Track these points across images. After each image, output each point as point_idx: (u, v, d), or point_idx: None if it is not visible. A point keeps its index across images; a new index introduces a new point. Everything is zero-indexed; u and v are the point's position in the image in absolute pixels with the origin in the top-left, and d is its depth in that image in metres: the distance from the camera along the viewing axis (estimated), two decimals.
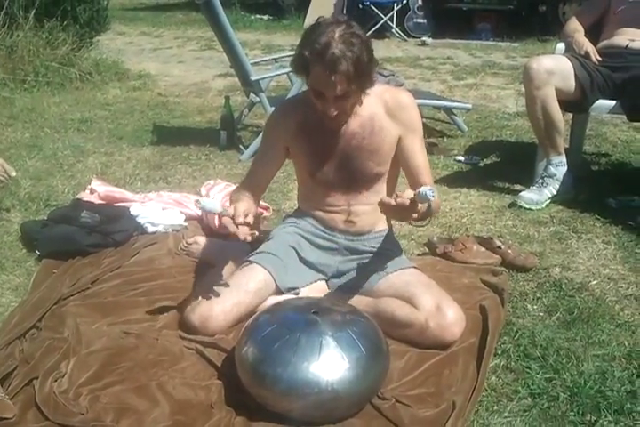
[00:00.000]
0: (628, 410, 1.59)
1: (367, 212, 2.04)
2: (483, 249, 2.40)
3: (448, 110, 4.25)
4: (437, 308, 1.82)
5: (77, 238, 2.42)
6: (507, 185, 3.21)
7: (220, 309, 1.87)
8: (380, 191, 2.04)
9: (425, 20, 9.10)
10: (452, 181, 3.27)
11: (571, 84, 2.90)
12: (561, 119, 2.92)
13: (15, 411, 1.54)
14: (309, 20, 8.69)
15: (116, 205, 2.74)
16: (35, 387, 1.62)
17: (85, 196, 2.82)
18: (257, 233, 1.84)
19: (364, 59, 1.78)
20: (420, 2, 8.96)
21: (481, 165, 3.60)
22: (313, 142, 2.01)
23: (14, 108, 4.79)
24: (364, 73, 1.80)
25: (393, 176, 2.07)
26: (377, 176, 2.01)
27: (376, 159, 1.99)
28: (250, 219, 1.80)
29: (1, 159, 2.72)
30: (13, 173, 2.71)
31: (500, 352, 1.83)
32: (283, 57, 4.41)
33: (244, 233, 1.80)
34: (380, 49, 7.98)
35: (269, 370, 1.55)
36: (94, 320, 1.97)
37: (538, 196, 2.93)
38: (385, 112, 1.97)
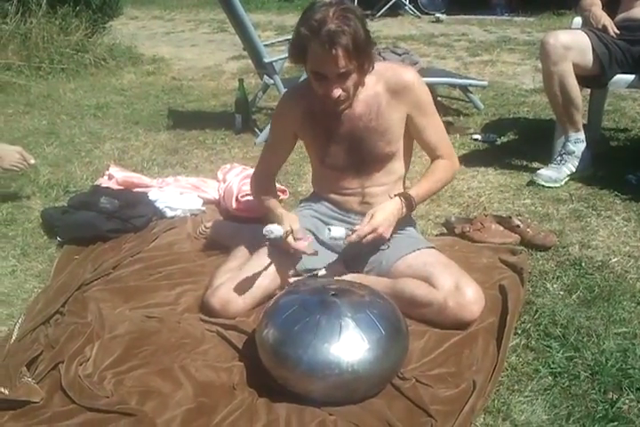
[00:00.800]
0: None
1: (382, 192, 2.03)
2: (501, 228, 2.39)
3: (464, 88, 4.20)
4: (456, 287, 1.82)
5: (97, 224, 2.45)
6: (524, 163, 3.18)
7: (240, 292, 1.89)
8: (392, 170, 2.04)
9: None
10: (470, 159, 3.24)
11: (588, 58, 2.85)
12: (579, 95, 2.88)
13: (43, 395, 1.57)
14: None
15: (135, 190, 2.76)
16: (60, 371, 1.65)
17: (104, 182, 2.85)
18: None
19: (361, 34, 1.77)
20: None
21: (498, 143, 3.56)
22: (321, 128, 2.00)
23: (30, 95, 4.82)
24: (362, 49, 1.78)
25: (405, 154, 2.06)
26: (388, 156, 2.01)
27: (385, 139, 1.98)
28: (301, 236, 1.94)
29: (19, 147, 2.74)
30: (32, 161, 2.74)
31: (519, 331, 1.83)
32: None
33: (309, 248, 1.95)
34: (394, 27, 7.91)
35: (290, 352, 1.56)
36: (116, 305, 2.00)
37: (556, 173, 2.90)
38: (388, 91, 1.94)
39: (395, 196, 1.94)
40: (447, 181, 2.11)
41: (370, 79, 1.94)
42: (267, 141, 2.18)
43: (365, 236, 1.84)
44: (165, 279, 2.15)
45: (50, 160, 3.36)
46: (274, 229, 1.87)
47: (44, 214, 2.60)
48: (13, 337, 1.83)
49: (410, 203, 1.94)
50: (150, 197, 2.66)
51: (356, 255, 2.08)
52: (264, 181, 2.20)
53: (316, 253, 1.99)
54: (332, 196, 2.11)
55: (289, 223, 1.92)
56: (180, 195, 2.73)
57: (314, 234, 2.08)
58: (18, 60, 5.32)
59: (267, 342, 1.63)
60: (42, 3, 5.63)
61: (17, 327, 1.89)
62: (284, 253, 1.97)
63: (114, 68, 5.73)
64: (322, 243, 2.08)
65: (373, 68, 1.90)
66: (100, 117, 4.26)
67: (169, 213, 2.63)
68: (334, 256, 2.08)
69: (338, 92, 1.83)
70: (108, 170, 2.94)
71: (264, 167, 2.20)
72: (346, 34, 1.73)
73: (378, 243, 1.96)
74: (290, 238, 1.90)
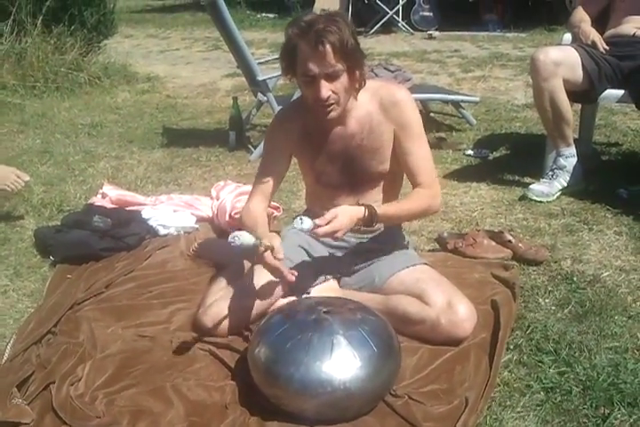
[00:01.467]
0: None
1: None
2: (493, 243, 2.40)
3: (456, 104, 4.24)
4: (448, 304, 1.82)
5: (90, 243, 2.45)
6: (517, 178, 3.20)
7: (232, 310, 1.88)
8: (386, 188, 2.04)
9: (431, 13, 9.06)
10: (462, 175, 3.26)
11: (578, 74, 2.88)
12: (569, 110, 2.90)
13: (33, 416, 1.56)
14: None
15: (128, 208, 2.76)
16: (52, 391, 1.64)
17: (97, 200, 2.85)
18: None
19: (349, 37, 1.78)
20: None
21: (490, 158, 3.59)
22: (315, 147, 2.01)
23: (25, 114, 4.84)
24: (350, 51, 1.79)
25: (398, 172, 2.05)
26: (381, 175, 2.02)
27: (377, 158, 1.98)
28: (281, 256, 1.79)
29: (12, 168, 2.75)
30: (27, 178, 2.74)
31: (512, 347, 1.83)
32: None
33: (290, 273, 1.80)
34: (387, 43, 7.98)
35: (282, 370, 1.56)
36: (109, 324, 2.00)
37: (548, 188, 2.92)
38: (379, 108, 1.95)
39: (361, 205, 1.88)
40: (423, 212, 2.04)
41: (364, 97, 1.95)
42: (260, 163, 2.15)
43: (323, 235, 1.78)
44: (158, 298, 2.15)
45: (44, 179, 3.37)
46: (241, 236, 1.71)
47: (38, 233, 2.60)
48: (5, 357, 1.83)
49: (371, 217, 1.85)
50: (143, 216, 2.67)
51: (348, 273, 2.08)
52: (257, 206, 2.08)
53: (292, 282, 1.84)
54: (326, 213, 2.11)
55: (267, 239, 1.80)
56: (173, 213, 2.74)
57: (306, 251, 2.08)
58: (13, 80, 5.34)
59: (259, 361, 1.63)
60: (37, 22, 5.67)
61: (8, 347, 1.88)
62: None
63: (108, 86, 5.76)
64: (315, 260, 2.08)
65: (365, 81, 1.91)
66: (95, 136, 4.27)
67: (162, 231, 2.63)
68: (327, 274, 2.08)
69: (327, 92, 1.81)
70: (101, 188, 2.94)
71: (258, 189, 2.11)
72: (333, 33, 1.75)
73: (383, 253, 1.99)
74: (268, 254, 1.79)
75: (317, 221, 1.76)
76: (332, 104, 1.85)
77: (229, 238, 1.71)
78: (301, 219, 1.73)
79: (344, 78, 1.83)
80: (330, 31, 1.75)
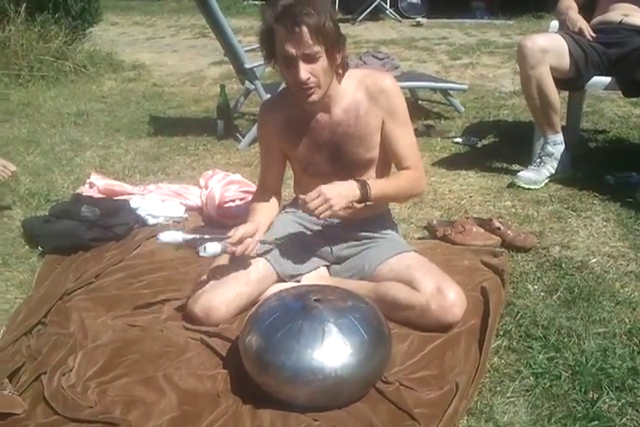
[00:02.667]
0: (629, 386, 1.60)
1: None
2: (482, 231, 2.41)
3: (444, 91, 4.24)
4: (438, 290, 1.83)
5: (79, 233, 2.43)
6: (505, 165, 3.21)
7: (222, 299, 1.89)
8: (373, 177, 2.04)
9: (419, 0, 9.04)
10: (451, 162, 3.27)
11: (565, 61, 2.88)
12: (557, 98, 2.91)
13: (25, 407, 1.56)
14: None
15: (116, 198, 2.75)
16: (43, 382, 1.64)
17: (85, 190, 2.83)
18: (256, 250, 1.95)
19: (326, 19, 1.78)
20: None
21: (479, 145, 3.60)
22: (301, 136, 2.01)
23: (10, 103, 4.79)
24: (327, 32, 1.79)
25: (385, 160, 2.06)
26: (368, 162, 2.02)
27: (365, 145, 1.99)
28: (244, 246, 1.91)
29: None
30: (14, 168, 2.72)
31: (501, 333, 1.84)
32: None
33: (240, 251, 1.92)
34: (375, 31, 7.95)
35: (273, 358, 1.56)
36: (99, 314, 1.99)
37: (536, 175, 2.93)
38: (366, 96, 1.96)
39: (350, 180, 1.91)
40: (411, 192, 2.10)
41: (349, 85, 1.95)
42: (260, 156, 2.19)
43: (317, 207, 1.81)
44: (148, 288, 2.14)
45: (30, 169, 3.34)
46: (207, 246, 1.88)
47: (25, 224, 2.58)
48: None
49: (364, 186, 1.88)
50: (132, 205, 2.65)
51: (338, 260, 2.09)
52: (264, 196, 2.16)
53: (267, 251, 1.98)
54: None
55: (239, 234, 1.91)
56: (161, 202, 2.73)
57: (296, 239, 2.08)
58: None
59: (250, 349, 1.63)
60: (20, 10, 5.60)
61: None
62: (266, 261, 1.97)
63: (94, 74, 5.71)
64: (305, 248, 2.09)
65: (347, 65, 1.92)
66: (81, 125, 4.24)
67: (151, 221, 2.62)
68: (317, 262, 2.09)
69: (306, 74, 1.82)
70: (89, 178, 2.92)
71: (264, 182, 2.20)
72: (310, 16, 1.76)
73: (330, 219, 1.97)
74: (229, 249, 1.91)
75: (304, 197, 1.82)
76: (313, 87, 1.86)
77: (200, 252, 1.88)
78: (205, 247, 1.88)
79: (323, 60, 1.83)
80: (306, 13, 1.76)
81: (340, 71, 1.92)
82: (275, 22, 1.80)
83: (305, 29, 1.76)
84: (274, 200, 2.17)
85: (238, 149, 3.60)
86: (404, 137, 2.01)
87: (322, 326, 1.58)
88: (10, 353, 1.77)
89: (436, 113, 4.24)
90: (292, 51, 1.80)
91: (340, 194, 1.84)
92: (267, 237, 2.02)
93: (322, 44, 1.79)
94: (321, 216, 1.83)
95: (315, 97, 1.88)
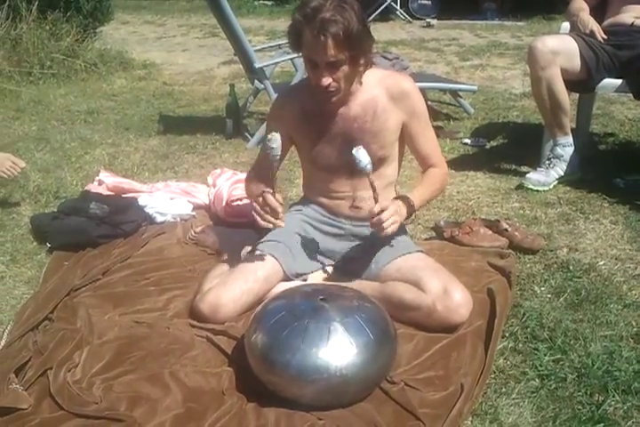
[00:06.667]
0: (635, 390, 1.60)
1: (372, 197, 2.04)
2: (490, 232, 2.40)
3: (454, 93, 4.23)
4: (444, 290, 1.83)
5: (87, 230, 2.44)
6: (513, 167, 3.20)
7: (229, 297, 1.89)
8: (384, 175, 2.05)
9: (429, 1, 9.03)
10: (459, 164, 3.26)
11: (576, 63, 2.87)
12: (567, 99, 2.90)
13: (31, 402, 1.56)
14: None
15: (124, 195, 2.76)
16: (49, 378, 1.64)
17: (94, 187, 2.84)
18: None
19: (355, 25, 1.78)
20: None
21: (487, 147, 3.59)
22: (314, 127, 2.02)
23: (21, 101, 4.81)
24: (354, 40, 1.79)
25: (397, 160, 2.08)
26: (380, 160, 2.02)
27: (379, 142, 1.99)
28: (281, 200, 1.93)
29: (9, 154, 2.74)
30: (23, 164, 2.73)
31: (507, 334, 1.84)
32: (286, 43, 4.36)
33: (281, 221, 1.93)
34: (385, 31, 7.94)
35: (279, 357, 1.56)
36: (106, 311, 2.00)
37: (545, 177, 2.92)
38: (387, 96, 1.97)
39: (396, 198, 1.94)
40: (442, 189, 2.19)
41: (369, 81, 1.97)
42: (262, 145, 2.18)
43: (388, 219, 1.82)
44: (155, 285, 2.15)
45: (40, 166, 3.36)
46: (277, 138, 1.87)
47: (34, 220, 2.60)
48: (2, 344, 1.83)
49: (410, 206, 1.93)
50: (140, 203, 2.66)
51: (345, 260, 2.09)
52: (256, 179, 2.11)
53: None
54: (323, 199, 2.12)
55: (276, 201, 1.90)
56: (169, 200, 2.73)
57: (302, 238, 2.08)
58: (8, 66, 5.31)
59: (255, 348, 1.63)
60: (32, 8, 5.63)
61: (5, 334, 1.89)
62: (274, 259, 1.98)
63: (104, 73, 5.73)
64: (312, 248, 2.09)
65: (371, 65, 1.93)
66: (91, 123, 4.26)
67: (159, 219, 2.63)
68: (324, 261, 2.09)
69: (327, 80, 1.85)
70: (98, 175, 2.94)
71: (258, 171, 2.14)
72: (338, 23, 1.75)
73: (380, 240, 1.97)
74: (269, 196, 1.90)
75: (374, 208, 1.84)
76: (333, 91, 1.88)
77: (268, 137, 1.89)
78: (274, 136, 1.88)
79: (346, 67, 1.84)
80: (334, 21, 1.75)
81: (363, 70, 1.93)
82: (302, 26, 1.81)
83: (330, 41, 1.77)
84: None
85: (247, 148, 3.61)
86: (428, 136, 2.07)
87: (327, 326, 1.58)
88: (16, 348, 1.78)
89: (445, 114, 4.23)
90: (316, 58, 1.82)
91: (401, 216, 1.89)
92: (273, 232, 2.01)
93: (346, 51, 1.80)
94: (382, 232, 1.84)
95: (334, 99, 1.92)
